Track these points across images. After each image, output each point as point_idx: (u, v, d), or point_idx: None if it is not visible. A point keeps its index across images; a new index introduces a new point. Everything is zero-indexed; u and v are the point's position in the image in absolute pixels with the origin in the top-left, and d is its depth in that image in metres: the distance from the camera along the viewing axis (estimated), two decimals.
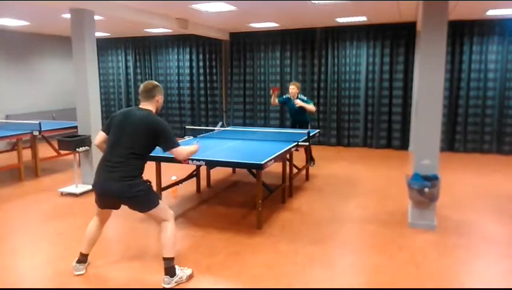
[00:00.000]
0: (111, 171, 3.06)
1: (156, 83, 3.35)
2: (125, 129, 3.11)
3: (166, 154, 4.61)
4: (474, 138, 8.44)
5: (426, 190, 4.17)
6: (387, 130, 9.05)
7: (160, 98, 3.32)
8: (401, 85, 8.78)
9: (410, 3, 6.38)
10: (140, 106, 3.24)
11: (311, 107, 6.91)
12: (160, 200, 3.24)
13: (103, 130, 3.28)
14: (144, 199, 3.14)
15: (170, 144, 3.15)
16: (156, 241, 4.31)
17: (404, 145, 8.90)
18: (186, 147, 3.27)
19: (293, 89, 7.00)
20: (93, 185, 3.24)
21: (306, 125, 7.04)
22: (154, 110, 3.26)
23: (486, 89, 8.22)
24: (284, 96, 7.19)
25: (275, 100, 7.10)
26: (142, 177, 3.15)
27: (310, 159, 7.06)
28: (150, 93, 3.25)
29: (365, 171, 7.03)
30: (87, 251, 3.41)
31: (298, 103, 6.83)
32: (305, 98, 7.00)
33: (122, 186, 3.04)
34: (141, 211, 3.20)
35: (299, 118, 7.06)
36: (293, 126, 7.16)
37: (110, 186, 3.07)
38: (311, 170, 6.84)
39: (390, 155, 8.48)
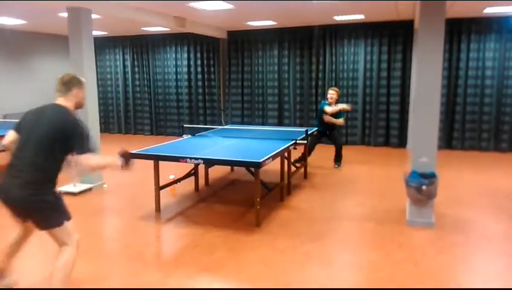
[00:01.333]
0: (16, 176, 2.59)
1: (74, 74, 2.91)
2: (34, 129, 2.67)
3: (165, 153, 4.68)
4: (472, 135, 8.47)
5: (424, 187, 4.19)
6: (385, 128, 9.07)
7: (78, 92, 2.84)
8: (399, 83, 8.80)
9: (408, 3, 6.39)
10: (56, 102, 2.79)
11: (340, 121, 6.75)
12: (67, 222, 2.71)
13: (14, 129, 2.80)
14: (45, 213, 2.65)
15: (81, 148, 2.65)
16: (154, 239, 4.32)
17: (402, 143, 8.93)
18: (99, 158, 2.86)
19: (333, 94, 6.75)
20: None
21: (335, 131, 6.97)
22: (72, 107, 2.81)
23: (483, 87, 8.24)
24: (321, 106, 6.88)
25: (341, 121, 6.78)
26: (52, 187, 2.69)
27: (338, 160, 7.08)
28: (65, 86, 2.80)
29: (363, 169, 7.04)
30: (2, 264, 2.97)
31: (327, 119, 6.66)
32: (338, 107, 6.76)
33: (24, 193, 2.56)
34: (41, 227, 2.69)
35: (330, 127, 6.82)
36: (323, 132, 6.87)
37: (13, 193, 2.59)
38: (310, 168, 6.84)
39: (388, 153, 8.50)
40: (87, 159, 2.66)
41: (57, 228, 2.66)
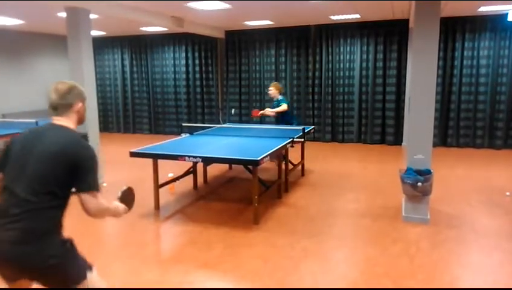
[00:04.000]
0: (7, 228, 1.89)
1: (71, 83, 2.18)
2: (31, 160, 1.96)
3: (164, 152, 4.74)
4: (467, 132, 8.55)
5: (419, 184, 4.26)
6: (381, 125, 9.15)
7: (79, 106, 2.15)
8: (395, 81, 8.87)
9: (403, 2, 6.46)
10: (53, 122, 2.10)
11: (280, 108, 6.60)
12: (89, 272, 2.04)
13: None
14: (60, 271, 1.95)
15: (87, 184, 1.96)
16: (154, 237, 4.38)
17: (397, 140, 9.01)
18: (105, 202, 2.04)
19: (270, 90, 6.75)
20: None
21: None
22: (74, 125, 2.14)
23: (478, 85, 8.33)
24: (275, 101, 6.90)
25: (271, 112, 6.73)
26: (59, 234, 1.99)
27: None
28: (63, 101, 2.09)
29: (359, 167, 7.11)
30: None
31: (267, 112, 6.61)
32: (280, 98, 6.71)
33: (23, 250, 1.87)
34: (58, 288, 1.98)
35: (282, 121, 6.80)
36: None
37: (6, 251, 1.88)
38: (306, 166, 6.90)
39: (384, 150, 8.57)
40: (97, 201, 1.99)
41: (79, 285, 2.00)
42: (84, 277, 2.01)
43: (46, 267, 1.91)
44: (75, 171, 1.95)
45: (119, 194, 2.26)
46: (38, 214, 1.90)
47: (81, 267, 2.03)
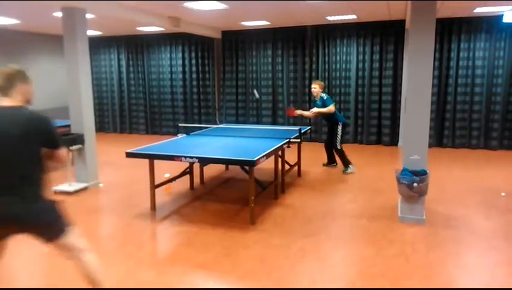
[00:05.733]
0: (8, 194, 2.24)
1: (16, 67, 2.51)
2: (6, 139, 2.24)
3: (160, 152, 4.72)
4: (462, 133, 8.59)
5: (415, 184, 4.27)
6: (377, 126, 9.17)
7: (25, 88, 2.48)
8: (391, 82, 8.90)
9: (400, 3, 6.48)
10: (3, 104, 2.34)
11: (327, 109, 6.42)
12: (70, 226, 2.49)
13: None
14: (55, 221, 2.42)
15: (58, 143, 2.42)
16: (150, 238, 4.37)
17: (393, 141, 9.03)
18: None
19: (314, 88, 6.58)
20: None
21: (336, 127, 6.54)
22: (23, 104, 2.42)
23: (474, 86, 8.36)
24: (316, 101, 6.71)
25: (309, 114, 6.65)
26: (44, 194, 2.40)
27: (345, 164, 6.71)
28: (8, 82, 2.38)
29: (355, 167, 7.12)
30: None
31: (314, 111, 6.50)
32: (325, 97, 6.51)
33: (30, 209, 2.29)
34: (51, 238, 2.40)
35: (328, 120, 6.65)
36: (329, 129, 6.72)
37: (13, 211, 2.26)
38: (303, 166, 6.91)
39: (380, 151, 8.59)
40: (63, 151, 2.47)
41: (69, 234, 2.45)
42: (68, 225, 2.46)
43: (47, 219, 2.37)
44: (42, 138, 2.34)
45: None
46: (32, 184, 2.31)
47: (66, 220, 2.47)
